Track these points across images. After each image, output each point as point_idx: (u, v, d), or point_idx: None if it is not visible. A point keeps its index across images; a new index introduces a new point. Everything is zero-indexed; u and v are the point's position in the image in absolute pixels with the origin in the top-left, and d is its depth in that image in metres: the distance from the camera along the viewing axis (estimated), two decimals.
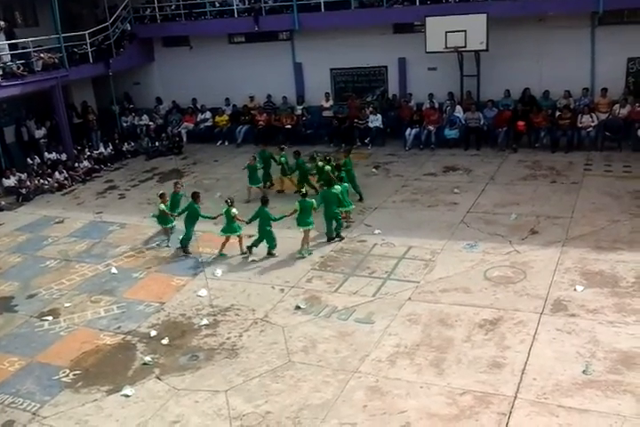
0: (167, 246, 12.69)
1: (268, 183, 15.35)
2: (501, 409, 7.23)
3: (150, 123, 20.99)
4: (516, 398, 7.40)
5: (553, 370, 7.81)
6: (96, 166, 18.69)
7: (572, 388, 7.47)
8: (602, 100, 17.12)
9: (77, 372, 8.76)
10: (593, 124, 16.52)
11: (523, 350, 8.29)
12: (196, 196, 12.29)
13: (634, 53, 16.99)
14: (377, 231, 12.42)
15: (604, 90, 17.02)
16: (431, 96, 18.60)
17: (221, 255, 12.05)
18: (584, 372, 7.73)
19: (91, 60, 19.22)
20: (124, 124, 21.36)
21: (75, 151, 18.70)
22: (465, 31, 16.82)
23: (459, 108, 18.03)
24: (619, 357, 7.96)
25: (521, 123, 16.98)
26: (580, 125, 16.60)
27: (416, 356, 8.39)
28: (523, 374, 7.81)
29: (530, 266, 10.55)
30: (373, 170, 16.18)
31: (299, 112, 19.91)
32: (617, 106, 16.69)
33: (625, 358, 7.92)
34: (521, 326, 8.82)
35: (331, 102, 19.81)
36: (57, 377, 8.68)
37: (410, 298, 9.89)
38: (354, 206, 12.97)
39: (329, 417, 7.40)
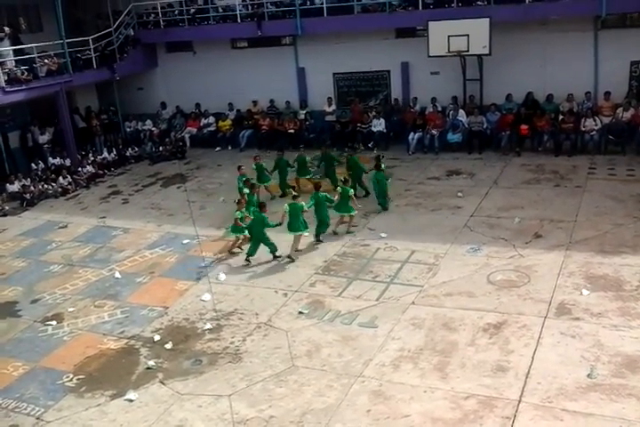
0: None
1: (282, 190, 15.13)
2: (506, 413, 7.20)
3: (154, 128, 21.08)
4: (520, 402, 7.37)
5: (557, 374, 7.78)
6: (100, 171, 18.75)
7: (576, 392, 7.44)
8: (605, 104, 17.11)
9: (81, 376, 8.77)
10: (596, 128, 16.48)
11: (527, 353, 8.27)
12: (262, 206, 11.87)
13: (637, 57, 16.95)
14: (383, 235, 12.40)
15: (608, 93, 17.02)
16: (434, 100, 18.61)
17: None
18: (588, 376, 7.70)
19: (94, 66, 19.29)
20: (128, 130, 21.45)
21: (78, 156, 18.77)
22: (468, 35, 16.82)
23: (462, 112, 18.01)
24: (623, 360, 7.93)
25: (524, 126, 16.96)
26: (583, 129, 16.56)
27: (420, 360, 8.37)
28: (527, 377, 7.78)
29: (534, 270, 10.53)
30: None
31: (302, 117, 19.93)
32: (620, 109, 16.66)
33: (629, 362, 7.89)
34: (525, 330, 8.80)
35: (333, 107, 19.83)
36: (61, 382, 8.69)
37: (413, 302, 9.88)
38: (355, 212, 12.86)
39: (332, 422, 7.38)
